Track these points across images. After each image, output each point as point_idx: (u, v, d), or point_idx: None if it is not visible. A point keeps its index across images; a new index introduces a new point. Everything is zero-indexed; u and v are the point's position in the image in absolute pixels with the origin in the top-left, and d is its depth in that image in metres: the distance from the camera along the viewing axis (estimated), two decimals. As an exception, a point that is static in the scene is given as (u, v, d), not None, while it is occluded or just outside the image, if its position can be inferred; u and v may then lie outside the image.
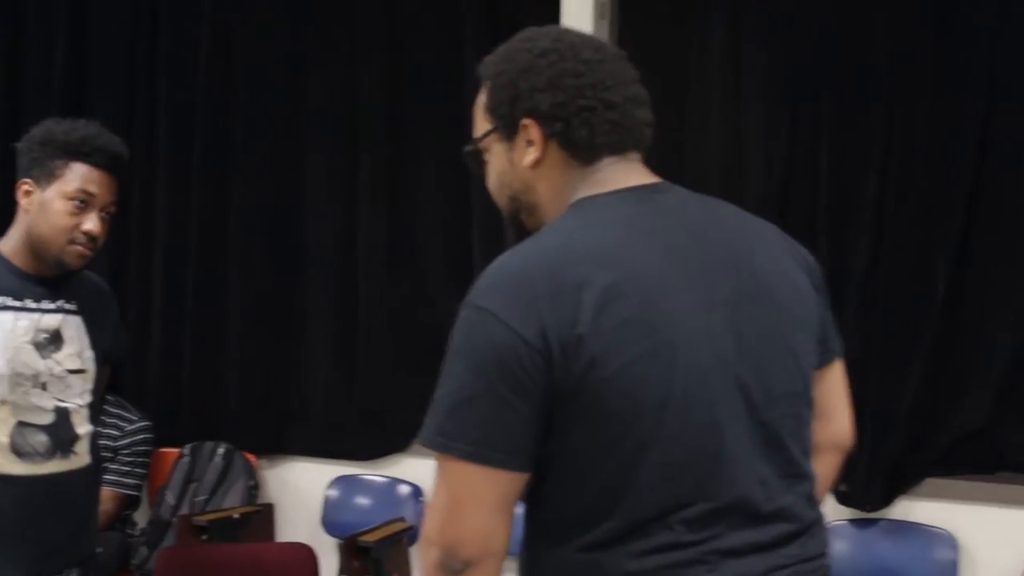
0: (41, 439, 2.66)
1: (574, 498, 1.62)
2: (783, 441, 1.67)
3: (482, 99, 1.83)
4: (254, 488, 4.76)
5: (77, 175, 2.68)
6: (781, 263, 1.76)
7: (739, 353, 1.63)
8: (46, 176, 2.69)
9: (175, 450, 4.86)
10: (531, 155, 1.75)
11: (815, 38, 4.09)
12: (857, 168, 4.05)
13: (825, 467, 1.88)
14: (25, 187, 2.72)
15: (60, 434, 2.70)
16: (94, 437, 2.81)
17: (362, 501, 4.74)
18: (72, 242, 2.67)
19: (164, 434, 4.79)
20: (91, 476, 2.82)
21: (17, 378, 2.63)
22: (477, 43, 4.59)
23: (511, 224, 1.85)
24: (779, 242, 1.80)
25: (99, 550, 2.93)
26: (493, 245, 4.57)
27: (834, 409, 1.90)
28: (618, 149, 1.75)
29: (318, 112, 4.86)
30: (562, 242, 1.64)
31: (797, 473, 1.69)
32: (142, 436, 4.58)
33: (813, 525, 1.71)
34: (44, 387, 2.68)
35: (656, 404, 1.57)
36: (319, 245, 4.85)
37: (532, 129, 1.74)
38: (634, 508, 1.58)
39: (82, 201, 2.67)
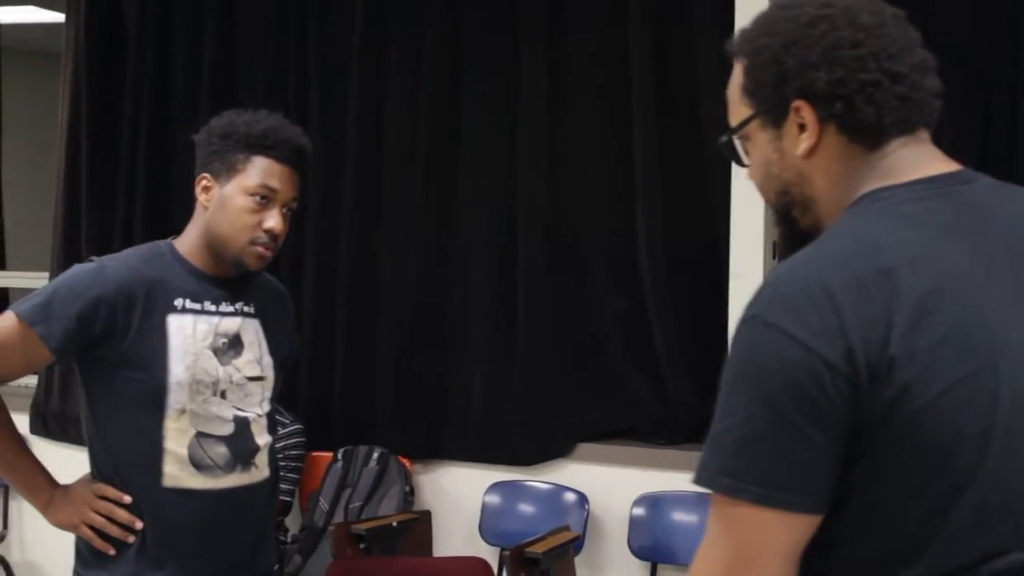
0: (221, 451, 2.51)
1: (869, 543, 1.39)
2: None
3: (738, 80, 1.59)
4: (410, 494, 4.60)
5: (259, 169, 2.51)
6: None
7: None
8: (226, 170, 2.52)
9: (327, 454, 4.71)
10: (805, 142, 1.50)
11: (1010, 15, 3.81)
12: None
13: None
14: (204, 182, 2.56)
15: (240, 445, 2.54)
16: (272, 448, 2.65)
17: (522, 508, 4.55)
18: (253, 242, 2.50)
19: (316, 438, 4.67)
20: (269, 489, 2.66)
21: (197, 386, 2.47)
22: (644, 35, 4.41)
23: (781, 221, 1.60)
24: None
25: (276, 566, 2.77)
26: (657, 245, 4.40)
27: None
28: (907, 128, 1.49)
29: (474, 106, 4.71)
30: (860, 246, 1.40)
31: None
32: (295, 440, 4.46)
33: None
34: (223, 395, 2.52)
35: (977, 438, 1.33)
36: (476, 243, 4.68)
37: (805, 112, 1.49)
38: (940, 557, 1.35)
39: (264, 197, 2.50)
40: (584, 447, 4.51)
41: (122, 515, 2.47)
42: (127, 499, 2.47)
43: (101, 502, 2.47)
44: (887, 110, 1.47)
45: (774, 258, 4.24)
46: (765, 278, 1.44)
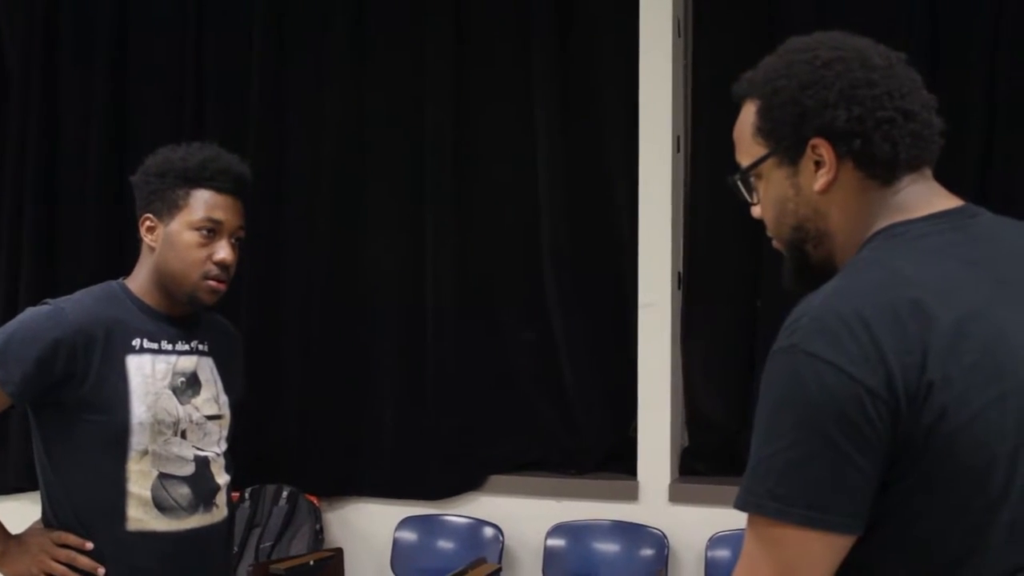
0: (183, 492, 2.47)
1: (905, 562, 1.44)
2: None
3: (749, 120, 1.64)
4: (320, 532, 4.55)
5: (201, 202, 2.48)
6: None
7: None
8: (168, 208, 2.49)
9: (234, 493, 4.62)
10: (823, 178, 1.56)
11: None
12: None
13: None
14: (147, 222, 2.52)
15: (202, 486, 2.51)
16: (229, 488, 2.62)
17: (435, 543, 4.54)
18: (205, 276, 2.48)
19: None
20: (228, 529, 2.64)
21: (159, 426, 2.43)
22: (547, 72, 4.48)
23: (792, 255, 1.66)
24: None
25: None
26: (564, 277, 4.45)
27: None
28: (917, 164, 1.57)
29: (381, 146, 4.71)
30: (891, 277, 1.45)
31: None
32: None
33: None
34: (184, 435, 2.49)
35: (1009, 457, 1.40)
36: (385, 275, 4.68)
37: (823, 149, 1.55)
38: (975, 573, 1.42)
39: (210, 230, 2.48)
40: (496, 479, 4.53)
41: (84, 562, 2.41)
42: (89, 545, 2.41)
43: (61, 550, 2.41)
44: (902, 147, 1.54)
45: (679, 288, 4.34)
46: (798, 310, 1.47)
